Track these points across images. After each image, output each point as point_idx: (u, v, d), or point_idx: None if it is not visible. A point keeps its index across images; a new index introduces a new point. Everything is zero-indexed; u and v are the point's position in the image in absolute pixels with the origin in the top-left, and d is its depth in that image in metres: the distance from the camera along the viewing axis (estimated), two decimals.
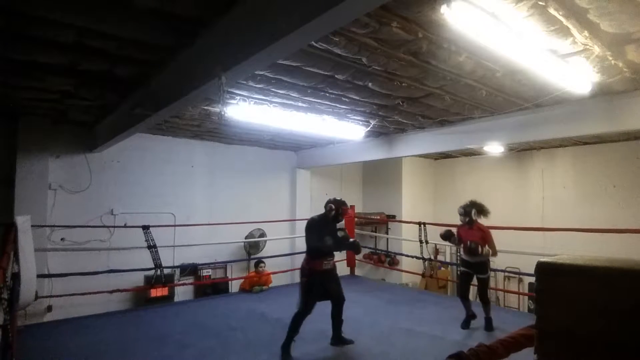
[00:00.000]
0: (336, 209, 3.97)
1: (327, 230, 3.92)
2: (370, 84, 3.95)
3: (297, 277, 7.93)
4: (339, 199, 4.09)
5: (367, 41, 3.01)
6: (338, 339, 4.11)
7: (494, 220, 7.59)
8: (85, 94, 4.25)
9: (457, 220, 4.74)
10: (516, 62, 3.24)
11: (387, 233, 9.12)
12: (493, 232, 4.54)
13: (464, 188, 9.10)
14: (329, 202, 4.05)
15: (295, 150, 8.59)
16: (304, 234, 3.99)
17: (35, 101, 4.63)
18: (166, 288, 6.19)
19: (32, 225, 3.96)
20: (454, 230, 4.70)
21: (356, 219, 7.88)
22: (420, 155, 8.86)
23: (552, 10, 2.46)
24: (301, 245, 8.18)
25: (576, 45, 2.93)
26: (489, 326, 4.58)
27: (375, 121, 5.61)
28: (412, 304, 5.66)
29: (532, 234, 6.87)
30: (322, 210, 4.04)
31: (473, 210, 4.45)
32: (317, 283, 3.82)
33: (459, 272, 4.75)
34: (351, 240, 4.09)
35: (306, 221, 4.05)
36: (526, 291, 7.33)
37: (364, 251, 8.31)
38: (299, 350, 4.06)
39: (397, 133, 6.50)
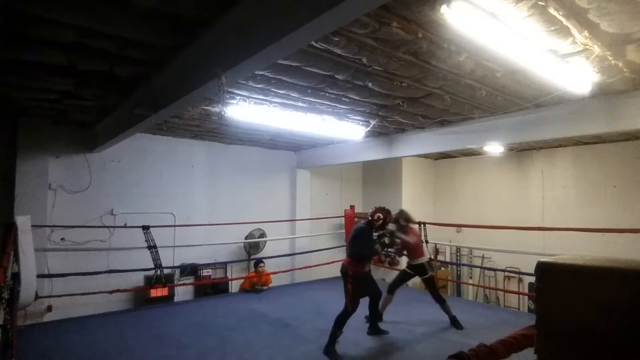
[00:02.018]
0: (384, 218, 4.20)
1: (372, 237, 4.17)
2: (370, 84, 3.95)
3: (297, 277, 8.03)
4: (382, 207, 4.34)
5: (367, 41, 3.01)
6: (375, 329, 4.46)
7: (494, 220, 7.67)
8: (85, 94, 4.25)
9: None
10: (516, 62, 3.24)
11: None
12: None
13: (463, 188, 9.11)
14: (376, 211, 4.28)
15: (295, 150, 8.59)
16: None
17: (35, 101, 4.62)
18: (166, 288, 6.19)
19: (32, 225, 3.96)
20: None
21: (356, 219, 7.88)
22: (420, 155, 8.85)
23: (552, 10, 2.46)
24: (301, 245, 8.22)
25: (576, 45, 2.93)
26: (457, 324, 4.65)
27: (375, 121, 5.60)
28: (412, 304, 5.66)
29: (532, 234, 6.86)
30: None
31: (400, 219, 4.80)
32: (362, 284, 4.06)
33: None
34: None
35: (356, 229, 4.25)
36: (526, 291, 7.32)
37: None
38: (299, 349, 4.07)
39: (397, 133, 6.50)
